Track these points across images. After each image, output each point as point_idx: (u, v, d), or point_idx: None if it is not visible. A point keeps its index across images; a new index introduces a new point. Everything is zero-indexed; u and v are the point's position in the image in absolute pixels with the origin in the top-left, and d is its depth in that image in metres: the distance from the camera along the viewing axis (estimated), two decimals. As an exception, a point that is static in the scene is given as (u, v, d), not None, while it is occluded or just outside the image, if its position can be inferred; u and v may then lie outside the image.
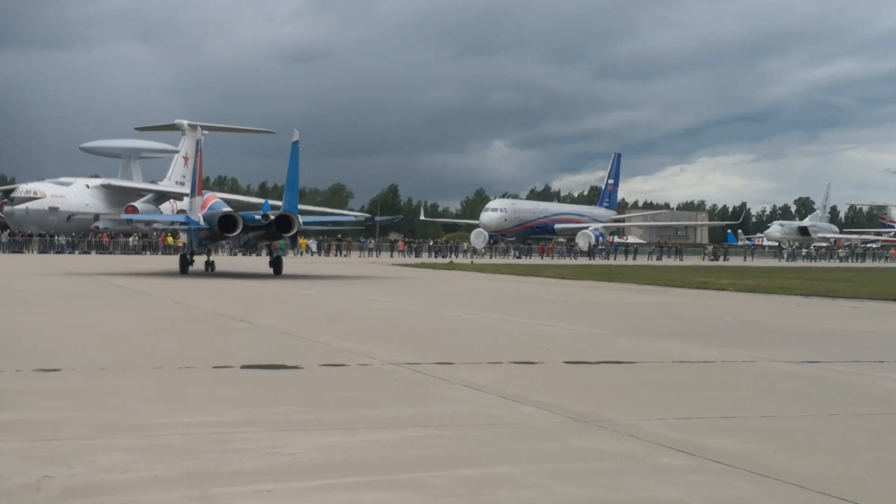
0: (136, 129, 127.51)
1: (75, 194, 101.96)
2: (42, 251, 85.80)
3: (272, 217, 45.08)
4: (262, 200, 71.23)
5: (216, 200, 52.07)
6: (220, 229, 45.29)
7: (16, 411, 9.45)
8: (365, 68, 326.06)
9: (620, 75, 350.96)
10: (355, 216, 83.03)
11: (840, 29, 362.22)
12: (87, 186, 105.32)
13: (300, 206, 49.79)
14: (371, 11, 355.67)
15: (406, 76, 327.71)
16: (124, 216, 77.56)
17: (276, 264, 47.44)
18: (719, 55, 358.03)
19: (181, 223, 55.80)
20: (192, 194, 51.37)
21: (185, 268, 47.81)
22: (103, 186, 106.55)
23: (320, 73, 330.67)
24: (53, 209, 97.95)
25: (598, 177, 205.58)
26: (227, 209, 48.47)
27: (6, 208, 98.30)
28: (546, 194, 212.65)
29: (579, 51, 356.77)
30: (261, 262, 54.93)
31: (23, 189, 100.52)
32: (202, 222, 47.18)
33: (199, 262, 49.15)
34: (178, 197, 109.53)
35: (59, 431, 8.51)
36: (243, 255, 74.58)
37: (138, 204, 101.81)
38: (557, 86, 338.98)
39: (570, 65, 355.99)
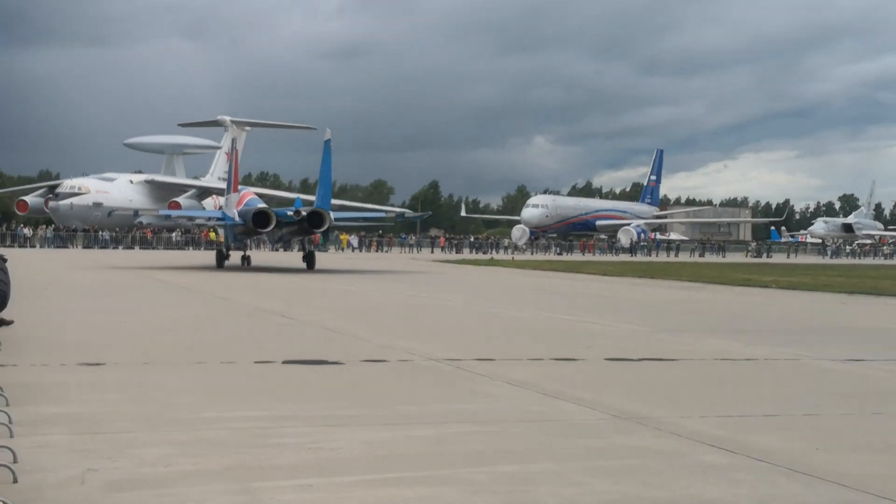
0: (179, 125, 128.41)
1: (119, 190, 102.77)
2: (86, 246, 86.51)
3: (304, 213, 46.61)
4: (302, 196, 72.52)
5: (251, 197, 53.01)
6: (254, 225, 46.50)
7: (60, 405, 9.55)
8: (407, 64, 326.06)
9: (664, 71, 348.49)
10: (385, 212, 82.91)
11: (887, 24, 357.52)
12: (131, 182, 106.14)
13: (339, 202, 51.51)
14: (414, 7, 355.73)
15: (448, 72, 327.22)
16: (162, 212, 78.72)
17: (309, 259, 48.23)
18: (764, 50, 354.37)
19: (217, 219, 57.41)
20: (228, 191, 52.71)
21: (220, 262, 48.22)
22: (146, 182, 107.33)
23: (363, 70, 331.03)
24: (97, 204, 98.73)
25: (640, 173, 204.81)
26: (262, 206, 49.37)
27: (51, 203, 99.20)
28: (587, 190, 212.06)
29: (623, 46, 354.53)
30: (296, 258, 55.07)
31: (67, 184, 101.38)
32: (237, 218, 48.28)
33: (234, 257, 49.45)
34: (221, 193, 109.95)
35: (103, 425, 8.59)
36: (283, 249, 74.81)
37: (181, 199, 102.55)
38: (600, 81, 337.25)
39: (613, 60, 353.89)
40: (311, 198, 53.40)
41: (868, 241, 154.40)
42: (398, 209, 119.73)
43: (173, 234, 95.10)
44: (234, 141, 54.75)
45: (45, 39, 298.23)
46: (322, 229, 47.26)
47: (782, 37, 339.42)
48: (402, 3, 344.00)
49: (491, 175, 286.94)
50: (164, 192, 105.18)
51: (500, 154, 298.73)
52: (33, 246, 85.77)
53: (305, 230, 47.55)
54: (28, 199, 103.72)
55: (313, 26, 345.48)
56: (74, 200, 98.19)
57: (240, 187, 53.93)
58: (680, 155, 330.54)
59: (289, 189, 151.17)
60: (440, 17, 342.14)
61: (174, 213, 78.27)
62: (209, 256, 53.96)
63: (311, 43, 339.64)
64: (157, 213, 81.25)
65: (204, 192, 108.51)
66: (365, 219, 73.89)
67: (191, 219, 75.78)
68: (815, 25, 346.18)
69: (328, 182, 49.21)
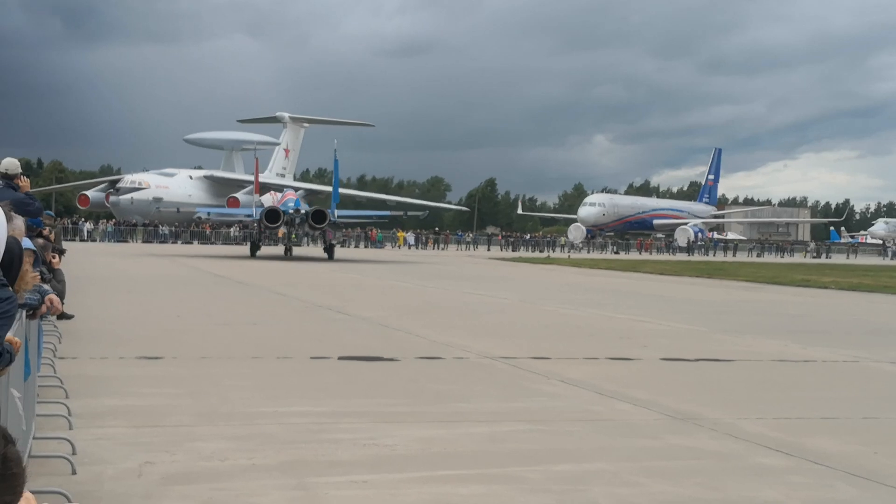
0: (238, 121, 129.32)
1: (179, 185, 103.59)
2: (146, 240, 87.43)
3: (302, 211, 56.70)
4: (354, 192, 75.55)
5: (289, 197, 60.93)
6: (267, 221, 55.66)
7: (119, 398, 9.67)
8: (468, 62, 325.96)
9: (727, 70, 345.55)
10: (390, 211, 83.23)
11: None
12: (190, 178, 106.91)
13: (396, 199, 58.27)
14: (476, 5, 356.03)
15: (509, 70, 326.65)
16: (200, 210, 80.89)
17: (329, 251, 58.07)
18: (828, 49, 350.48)
19: (246, 216, 67.50)
20: (253, 192, 62.41)
21: (253, 251, 57.43)
22: (206, 178, 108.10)
23: (424, 67, 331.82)
24: (157, 199, 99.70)
25: (698, 172, 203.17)
26: (272, 205, 58.79)
27: (112, 198, 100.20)
28: (645, 189, 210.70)
29: (686, 44, 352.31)
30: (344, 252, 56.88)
31: (128, 179, 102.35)
32: (256, 215, 57.72)
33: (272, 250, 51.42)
34: (279, 189, 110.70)
35: (161, 418, 8.69)
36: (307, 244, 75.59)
37: (239, 195, 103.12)
38: (662, 80, 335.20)
39: (675, 59, 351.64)
40: (362, 194, 63.83)
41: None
42: (425, 203, 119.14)
43: (231, 229, 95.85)
44: (255, 149, 61.01)
45: (110, 36, 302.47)
46: (322, 226, 56.12)
47: (848, 35, 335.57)
48: (465, 0, 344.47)
49: (549, 173, 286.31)
50: (222, 188, 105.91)
51: (558, 152, 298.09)
52: (94, 240, 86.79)
53: (311, 226, 56.68)
54: (89, 193, 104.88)
55: (375, 24, 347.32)
56: (135, 195, 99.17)
57: (288, 187, 66.75)
58: (740, 154, 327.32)
59: (346, 185, 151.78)
60: (502, 15, 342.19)
61: (213, 210, 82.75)
62: (269, 251, 57.92)
63: (373, 40, 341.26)
64: (196, 211, 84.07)
65: (262, 188, 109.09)
66: (369, 216, 76.31)
67: (223, 216, 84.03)
68: (884, 23, 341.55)
69: (337, 185, 60.52)
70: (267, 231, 58.64)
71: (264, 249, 61.69)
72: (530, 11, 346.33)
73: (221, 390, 10.32)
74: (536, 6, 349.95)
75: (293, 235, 62.73)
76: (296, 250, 60.09)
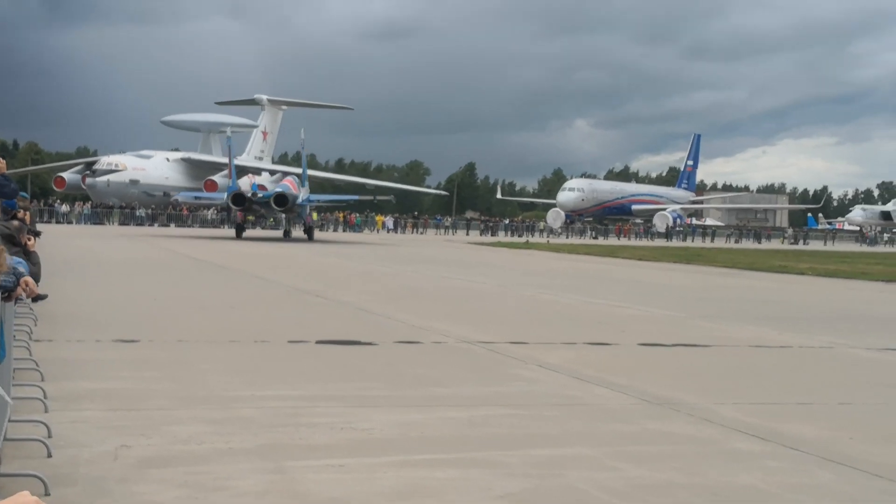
0: (216, 103, 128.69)
1: (155, 167, 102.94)
2: (122, 223, 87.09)
3: (259, 195, 61.73)
4: (333, 175, 77.20)
5: (282, 183, 66.36)
6: (232, 203, 60.08)
7: (95, 381, 9.63)
8: (451, 46, 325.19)
9: (709, 56, 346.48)
10: (358, 196, 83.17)
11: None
12: (167, 160, 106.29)
13: (375, 182, 61.53)
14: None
15: (492, 54, 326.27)
16: (178, 196, 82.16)
17: (309, 232, 62.20)
18: (811, 36, 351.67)
19: (213, 199, 76.46)
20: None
21: (238, 233, 61.66)
22: (183, 160, 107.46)
23: (406, 51, 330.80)
24: (134, 181, 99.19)
25: (677, 158, 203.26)
26: (239, 190, 62.32)
27: (88, 180, 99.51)
28: (624, 175, 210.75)
29: (669, 30, 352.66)
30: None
31: (104, 161, 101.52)
32: (225, 198, 61.95)
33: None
34: (257, 172, 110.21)
35: (138, 402, 8.67)
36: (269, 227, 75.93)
37: (217, 178, 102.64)
38: (644, 65, 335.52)
39: (658, 45, 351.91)
40: (341, 177, 69.04)
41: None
42: (395, 186, 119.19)
43: (209, 212, 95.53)
44: (229, 139, 66.05)
45: (88, 17, 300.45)
46: (283, 209, 59.83)
47: (831, 22, 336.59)
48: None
49: (529, 158, 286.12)
50: (200, 171, 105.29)
51: (539, 137, 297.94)
52: (70, 222, 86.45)
53: (273, 209, 60.52)
54: (66, 175, 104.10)
55: (359, 6, 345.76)
56: (111, 177, 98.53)
57: (289, 174, 71.63)
58: (719, 140, 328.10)
59: (325, 169, 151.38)
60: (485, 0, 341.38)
61: (181, 195, 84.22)
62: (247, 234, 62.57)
63: (356, 23, 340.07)
64: (174, 195, 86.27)
65: (240, 171, 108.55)
66: (337, 201, 77.14)
67: (197, 198, 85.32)
68: (866, 10, 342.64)
69: (305, 169, 64.80)
70: (235, 213, 62.85)
71: (251, 232, 66.03)
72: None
73: (198, 374, 10.29)
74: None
75: (270, 219, 68.46)
76: (272, 232, 66.31)
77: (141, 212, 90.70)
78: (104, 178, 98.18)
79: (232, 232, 65.61)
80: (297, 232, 65.79)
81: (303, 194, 61.78)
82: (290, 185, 65.61)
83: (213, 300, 18.92)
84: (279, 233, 69.17)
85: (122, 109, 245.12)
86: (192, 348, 12.26)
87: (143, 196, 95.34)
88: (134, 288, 21.16)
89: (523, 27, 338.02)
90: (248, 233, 64.87)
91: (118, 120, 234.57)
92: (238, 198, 59.81)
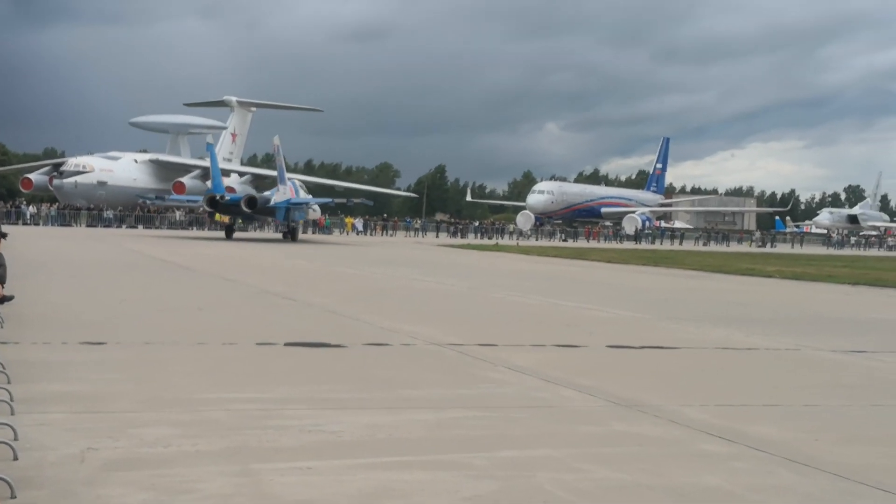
0: (185, 104, 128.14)
1: (123, 168, 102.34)
2: (90, 224, 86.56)
3: (227, 198, 64.53)
4: (302, 177, 79.22)
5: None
6: (207, 206, 65.59)
7: (62, 383, 9.58)
8: (422, 48, 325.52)
9: (679, 59, 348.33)
10: (334, 199, 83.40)
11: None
12: (136, 161, 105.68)
13: (345, 185, 64.55)
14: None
15: (464, 56, 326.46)
16: (149, 199, 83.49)
17: (292, 233, 65.63)
18: (780, 40, 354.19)
19: (192, 201, 78.39)
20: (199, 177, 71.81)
21: (228, 234, 65.65)
22: (151, 161, 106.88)
23: (377, 53, 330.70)
24: (102, 183, 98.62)
25: (647, 161, 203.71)
26: (216, 193, 64.77)
27: (55, 182, 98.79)
28: (594, 177, 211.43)
29: (640, 33, 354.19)
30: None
31: (72, 163, 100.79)
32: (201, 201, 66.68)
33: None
34: (226, 173, 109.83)
35: (104, 404, 8.63)
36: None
37: (185, 180, 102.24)
38: (615, 68, 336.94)
39: (629, 47, 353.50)
40: (310, 179, 72.41)
41: (873, 233, 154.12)
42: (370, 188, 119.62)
43: (177, 214, 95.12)
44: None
45: (57, 16, 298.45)
46: (253, 211, 63.71)
47: (800, 26, 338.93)
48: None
49: (500, 161, 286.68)
50: (168, 172, 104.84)
51: (510, 139, 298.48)
52: (37, 224, 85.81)
53: (244, 212, 63.84)
54: (32, 176, 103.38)
55: (330, 8, 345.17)
56: (79, 179, 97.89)
57: (252, 174, 73.99)
58: (689, 143, 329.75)
59: (294, 170, 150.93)
60: (457, 1, 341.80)
61: (149, 199, 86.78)
62: (216, 235, 60.97)
63: (327, 25, 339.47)
64: (146, 196, 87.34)
65: (208, 173, 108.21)
66: (318, 204, 77.82)
67: (177, 201, 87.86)
68: (835, 15, 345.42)
69: (283, 172, 66.10)
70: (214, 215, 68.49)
71: (252, 234, 69.72)
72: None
73: (165, 376, 10.25)
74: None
75: (239, 220, 69.75)
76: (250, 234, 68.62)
77: (108, 213, 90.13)
78: (71, 180, 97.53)
79: (216, 233, 70.34)
80: (303, 233, 70.45)
81: (277, 197, 63.79)
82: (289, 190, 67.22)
83: (181, 302, 18.83)
84: (277, 234, 72.03)
85: (90, 110, 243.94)
86: (160, 350, 12.21)
87: (134, 199, 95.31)
88: (101, 290, 21.05)
89: (494, 29, 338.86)
90: (248, 234, 70.37)
91: (86, 121, 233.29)
92: (211, 201, 63.99)
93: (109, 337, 12.94)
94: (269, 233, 77.64)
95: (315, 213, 77.62)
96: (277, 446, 7.36)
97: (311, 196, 73.29)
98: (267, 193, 67.57)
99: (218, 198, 64.30)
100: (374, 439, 7.71)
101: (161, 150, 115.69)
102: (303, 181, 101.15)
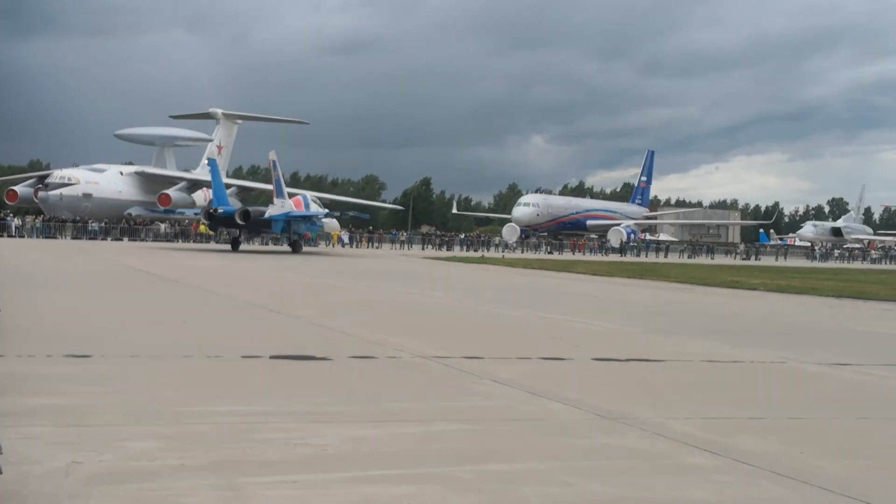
0: (171, 116, 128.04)
1: (109, 181, 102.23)
2: (75, 237, 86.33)
3: (220, 211, 65.70)
4: (288, 190, 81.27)
5: (287, 202, 68.78)
6: (204, 218, 68.62)
7: (46, 396, 9.53)
8: (409, 60, 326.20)
9: (664, 72, 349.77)
10: (320, 211, 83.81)
11: (889, 29, 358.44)
12: (121, 173, 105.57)
13: (331, 197, 66.94)
14: (419, 4, 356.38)
15: (450, 69, 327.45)
16: (146, 212, 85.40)
17: (294, 246, 67.78)
18: (765, 53, 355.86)
19: (196, 213, 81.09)
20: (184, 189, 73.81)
21: (234, 246, 67.57)
22: (137, 174, 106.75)
23: (364, 65, 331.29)
24: (87, 195, 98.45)
25: (632, 173, 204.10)
26: (212, 206, 67.85)
27: (41, 194, 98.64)
28: (580, 190, 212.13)
29: (625, 46, 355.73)
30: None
31: (57, 175, 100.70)
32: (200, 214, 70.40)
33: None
34: (211, 185, 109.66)
35: (89, 417, 8.59)
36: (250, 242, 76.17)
37: (171, 192, 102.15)
38: (601, 81, 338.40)
39: (614, 61, 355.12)
40: (296, 191, 74.15)
41: (857, 246, 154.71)
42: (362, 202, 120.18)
43: (163, 226, 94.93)
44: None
45: (44, 29, 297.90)
46: (247, 223, 65.04)
47: (785, 39, 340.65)
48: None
49: (486, 173, 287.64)
50: (154, 185, 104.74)
51: (495, 152, 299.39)
52: (22, 236, 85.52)
53: (238, 224, 65.14)
54: (18, 188, 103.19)
55: (316, 21, 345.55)
56: (64, 191, 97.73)
57: (238, 186, 76.40)
58: (673, 156, 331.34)
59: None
60: (444, 14, 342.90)
61: (141, 212, 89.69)
62: (202, 247, 60.98)
63: (314, 37, 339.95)
64: (158, 212, 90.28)
65: (194, 185, 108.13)
66: (307, 216, 78.66)
67: (181, 213, 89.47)
68: (819, 28, 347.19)
69: (281, 185, 67.26)
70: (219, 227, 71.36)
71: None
72: (472, 11, 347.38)
73: (151, 389, 10.22)
74: (478, 6, 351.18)
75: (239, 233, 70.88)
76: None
77: (94, 225, 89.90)
78: (57, 192, 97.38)
79: (218, 245, 73.68)
80: (309, 245, 73.62)
81: (272, 210, 65.80)
82: (293, 204, 69.52)
83: (167, 315, 18.77)
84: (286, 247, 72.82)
85: (75, 122, 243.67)
86: (145, 363, 12.17)
87: (119, 211, 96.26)
88: (86, 302, 20.98)
89: (480, 42, 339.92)
90: (255, 247, 73.47)
91: (72, 133, 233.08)
92: (207, 213, 67.24)
93: (94, 350, 12.89)
94: (280, 245, 77.84)
95: (331, 226, 78.66)
96: (263, 460, 7.34)
97: (325, 210, 73.92)
98: (264, 207, 69.24)
99: (212, 211, 66.37)
100: (359, 453, 7.70)
101: (147, 162, 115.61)
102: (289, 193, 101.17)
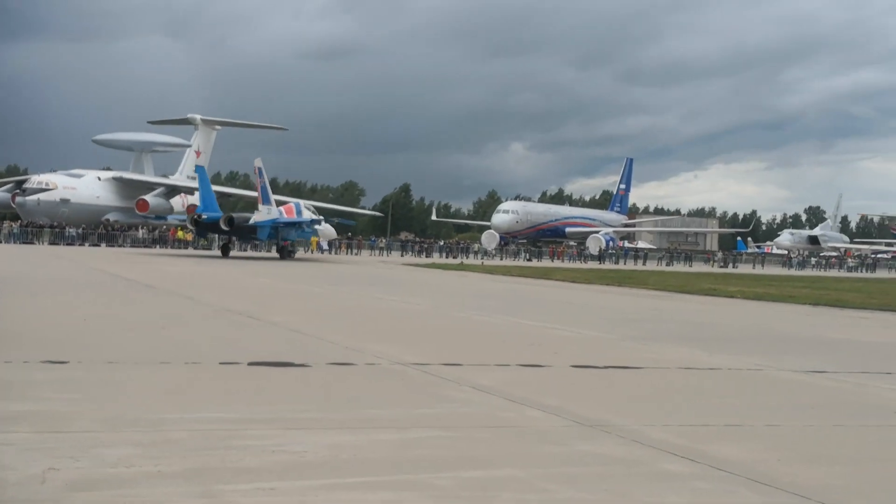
0: (149, 122, 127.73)
1: (87, 186, 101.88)
2: (52, 242, 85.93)
3: (205, 216, 67.02)
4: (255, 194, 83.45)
5: (276, 209, 69.59)
6: (190, 224, 70.65)
7: (23, 403, 9.48)
8: (389, 67, 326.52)
9: (644, 80, 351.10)
10: (312, 217, 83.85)
11: (866, 38, 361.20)
12: (99, 179, 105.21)
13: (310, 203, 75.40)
14: (398, 10, 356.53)
15: (431, 76, 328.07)
16: (150, 219, 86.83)
17: (281, 252, 68.80)
18: (743, 62, 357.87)
19: (182, 220, 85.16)
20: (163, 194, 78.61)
21: (225, 252, 69.42)
22: (114, 179, 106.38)
23: (344, 71, 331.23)
24: (65, 200, 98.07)
25: (611, 181, 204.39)
26: (197, 212, 69.23)
27: (18, 199, 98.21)
28: (559, 197, 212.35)
29: (605, 55, 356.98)
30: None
31: (35, 180, 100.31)
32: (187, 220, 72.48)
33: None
34: (189, 191, 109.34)
35: (66, 424, 8.54)
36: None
37: (149, 197, 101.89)
38: (581, 89, 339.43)
39: (594, 69, 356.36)
40: (275, 198, 72.04)
41: (833, 254, 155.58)
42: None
43: (140, 232, 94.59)
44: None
45: (22, 33, 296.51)
46: (229, 230, 66.33)
47: (763, 49, 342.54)
48: (387, 5, 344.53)
49: (465, 180, 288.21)
50: (132, 190, 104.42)
51: (475, 159, 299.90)
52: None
53: (223, 230, 66.56)
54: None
55: (297, 26, 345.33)
56: (41, 196, 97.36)
57: (292, 201, 78.78)
58: (652, 164, 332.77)
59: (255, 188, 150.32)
60: (424, 21, 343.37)
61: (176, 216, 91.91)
62: (181, 253, 59.14)
63: (294, 43, 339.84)
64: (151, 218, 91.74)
65: (172, 191, 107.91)
66: (294, 222, 78.85)
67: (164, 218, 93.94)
68: (797, 38, 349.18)
69: (268, 192, 67.88)
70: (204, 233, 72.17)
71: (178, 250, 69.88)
72: (453, 18, 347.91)
73: (128, 396, 10.17)
74: (459, 13, 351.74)
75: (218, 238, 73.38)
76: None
77: (71, 231, 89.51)
78: (34, 197, 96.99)
79: (196, 251, 75.29)
80: (302, 252, 75.74)
81: (258, 217, 66.19)
82: (284, 211, 70.29)
83: (145, 321, 18.69)
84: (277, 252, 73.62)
85: (53, 127, 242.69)
86: (122, 370, 12.11)
87: (97, 217, 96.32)
88: (63, 308, 20.87)
89: (460, 49, 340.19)
90: (247, 253, 73.54)
91: (49, 138, 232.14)
92: (193, 220, 68.72)
93: (72, 356, 12.82)
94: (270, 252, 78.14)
95: (327, 233, 79.10)
96: (240, 467, 7.32)
97: (316, 216, 74.07)
98: (249, 214, 69.51)
99: (196, 217, 68.17)
100: (337, 460, 7.69)
101: (125, 167, 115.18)
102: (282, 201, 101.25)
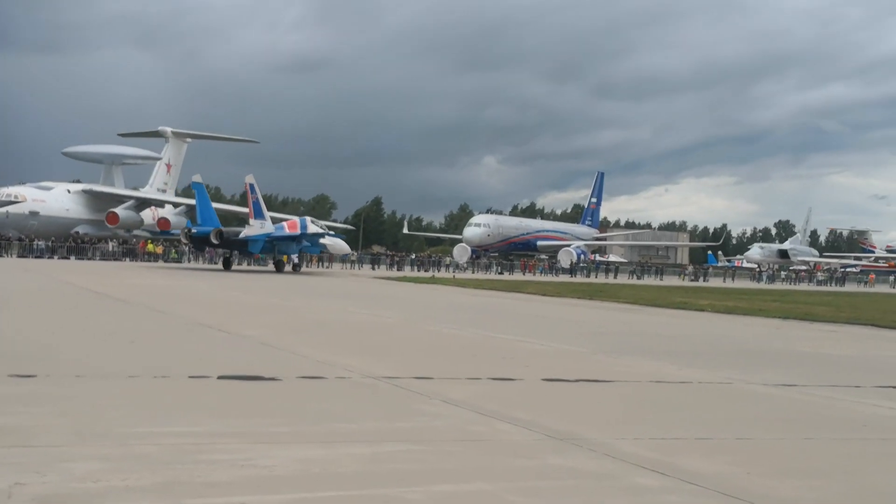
0: (119, 135, 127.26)
1: (56, 199, 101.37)
2: (21, 255, 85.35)
3: (194, 231, 70.24)
4: (238, 209, 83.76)
5: (279, 224, 73.04)
6: (184, 238, 73.13)
7: (-11, 417, 9.38)
8: (363, 80, 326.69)
9: (616, 94, 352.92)
10: (316, 231, 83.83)
11: (837, 54, 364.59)
12: (69, 191, 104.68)
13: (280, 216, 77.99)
14: (373, 24, 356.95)
15: (403, 89, 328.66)
16: (148, 235, 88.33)
17: (277, 266, 72.39)
18: (714, 77, 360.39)
19: (175, 234, 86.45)
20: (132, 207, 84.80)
21: (227, 265, 72.72)
22: (84, 192, 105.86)
23: (317, 84, 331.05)
24: (34, 213, 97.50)
25: (583, 195, 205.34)
26: (191, 227, 72.68)
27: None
28: (531, 211, 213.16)
29: (577, 69, 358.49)
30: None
31: (3, 192, 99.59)
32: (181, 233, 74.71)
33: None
34: (160, 204, 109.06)
35: (33, 438, 8.46)
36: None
37: (119, 210, 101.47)
38: (553, 103, 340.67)
39: (566, 83, 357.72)
40: (247, 210, 73.43)
41: (803, 268, 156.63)
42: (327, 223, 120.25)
43: (110, 245, 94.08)
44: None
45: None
46: (219, 243, 68.70)
47: (734, 64, 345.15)
48: (360, 19, 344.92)
49: (437, 193, 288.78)
50: (102, 203, 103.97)
51: (448, 172, 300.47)
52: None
53: (213, 243, 68.84)
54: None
55: (270, 39, 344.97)
56: (10, 209, 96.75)
57: (186, 205, 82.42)
58: (623, 178, 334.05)
59: (229, 202, 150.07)
60: (398, 35, 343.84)
61: (116, 229, 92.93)
62: (152, 266, 58.88)
63: (267, 56, 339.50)
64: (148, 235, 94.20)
65: (143, 203, 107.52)
66: (282, 237, 78.90)
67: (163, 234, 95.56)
68: (768, 53, 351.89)
69: (259, 212, 69.58)
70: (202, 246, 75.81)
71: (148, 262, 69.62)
72: (426, 32, 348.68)
73: (96, 410, 10.09)
74: (432, 27, 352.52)
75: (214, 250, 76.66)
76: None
77: (40, 243, 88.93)
78: (3, 210, 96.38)
79: (167, 264, 77.95)
80: (260, 265, 78.27)
81: (249, 231, 68.60)
82: (285, 226, 72.37)
83: (114, 334, 18.56)
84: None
85: (22, 140, 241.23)
86: (90, 384, 12.02)
87: (66, 230, 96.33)
88: (31, 321, 20.71)
89: (432, 63, 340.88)
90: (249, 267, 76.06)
91: (18, 150, 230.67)
92: (187, 233, 71.48)
93: (39, 370, 12.71)
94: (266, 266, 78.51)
95: (337, 246, 79.87)
96: (209, 481, 7.26)
97: (323, 232, 75.09)
98: (240, 228, 71.92)
99: (187, 230, 71.91)
100: (307, 474, 7.65)
101: (95, 180, 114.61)
102: (236, 212, 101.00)
